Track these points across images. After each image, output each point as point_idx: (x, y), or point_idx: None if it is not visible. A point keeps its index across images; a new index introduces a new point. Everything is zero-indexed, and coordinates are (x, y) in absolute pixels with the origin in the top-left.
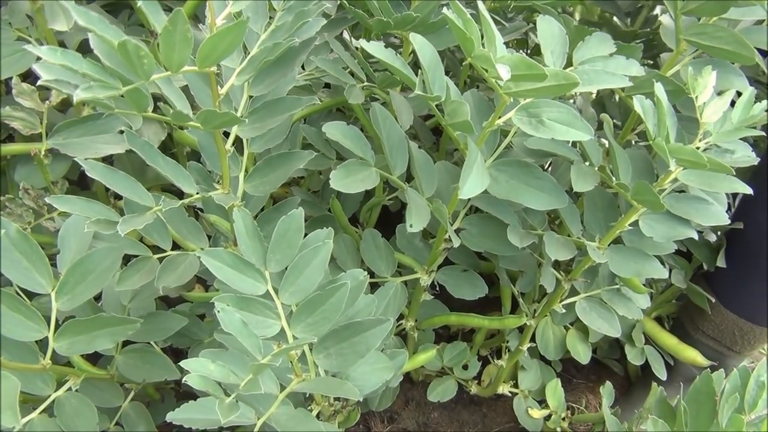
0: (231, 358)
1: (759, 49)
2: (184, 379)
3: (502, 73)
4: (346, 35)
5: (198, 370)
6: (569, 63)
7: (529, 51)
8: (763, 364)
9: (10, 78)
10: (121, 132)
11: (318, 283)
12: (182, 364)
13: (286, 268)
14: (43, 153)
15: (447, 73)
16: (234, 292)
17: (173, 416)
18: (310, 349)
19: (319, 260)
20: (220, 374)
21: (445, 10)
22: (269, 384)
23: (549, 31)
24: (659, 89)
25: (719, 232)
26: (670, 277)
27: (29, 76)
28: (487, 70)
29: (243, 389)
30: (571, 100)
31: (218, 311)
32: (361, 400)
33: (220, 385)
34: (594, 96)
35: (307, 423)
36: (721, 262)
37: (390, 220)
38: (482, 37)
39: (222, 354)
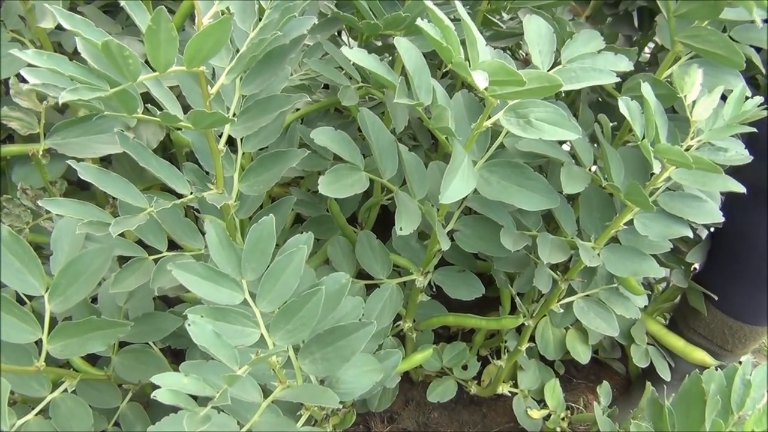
0: (212, 368)
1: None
2: (152, 395)
3: (479, 81)
4: (344, 36)
5: (170, 384)
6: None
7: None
8: (748, 361)
9: (8, 78)
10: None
11: (294, 288)
12: (154, 379)
13: (262, 276)
14: (41, 153)
15: (445, 74)
16: (209, 303)
17: (153, 429)
18: (296, 355)
19: (294, 266)
20: (194, 387)
21: (419, 21)
22: (251, 392)
23: (536, 30)
24: (646, 89)
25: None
26: (670, 276)
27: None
28: (466, 77)
29: (217, 401)
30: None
31: (189, 325)
32: (340, 407)
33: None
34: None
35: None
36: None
37: (390, 219)
38: (463, 42)
39: (202, 365)
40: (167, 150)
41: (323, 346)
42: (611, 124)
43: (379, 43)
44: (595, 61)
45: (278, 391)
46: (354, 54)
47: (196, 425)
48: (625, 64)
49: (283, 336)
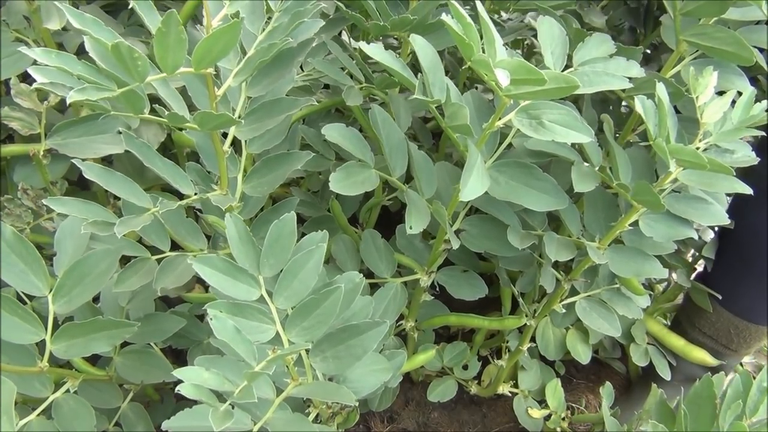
0: (227, 364)
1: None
2: (176, 388)
3: (500, 79)
4: (344, 36)
5: (192, 378)
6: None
7: (525, 51)
8: (765, 370)
9: (9, 78)
10: (120, 132)
11: (312, 286)
12: (176, 373)
13: (280, 273)
14: (41, 153)
15: (446, 73)
16: (227, 298)
17: (168, 424)
18: (307, 353)
19: (313, 263)
20: (215, 382)
21: (444, 15)
22: (265, 389)
23: (549, 32)
24: (661, 89)
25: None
26: (670, 275)
27: (28, 77)
28: (486, 74)
29: (237, 397)
30: None
31: (211, 319)
32: (356, 404)
33: (215, 392)
34: None
35: (303, 427)
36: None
37: (390, 220)
38: (481, 40)
39: (218, 360)
40: (168, 150)
41: (335, 344)
42: None
43: (381, 44)
44: (607, 65)
45: (291, 388)
46: (371, 50)
47: (219, 421)
48: (637, 71)
49: (298, 333)
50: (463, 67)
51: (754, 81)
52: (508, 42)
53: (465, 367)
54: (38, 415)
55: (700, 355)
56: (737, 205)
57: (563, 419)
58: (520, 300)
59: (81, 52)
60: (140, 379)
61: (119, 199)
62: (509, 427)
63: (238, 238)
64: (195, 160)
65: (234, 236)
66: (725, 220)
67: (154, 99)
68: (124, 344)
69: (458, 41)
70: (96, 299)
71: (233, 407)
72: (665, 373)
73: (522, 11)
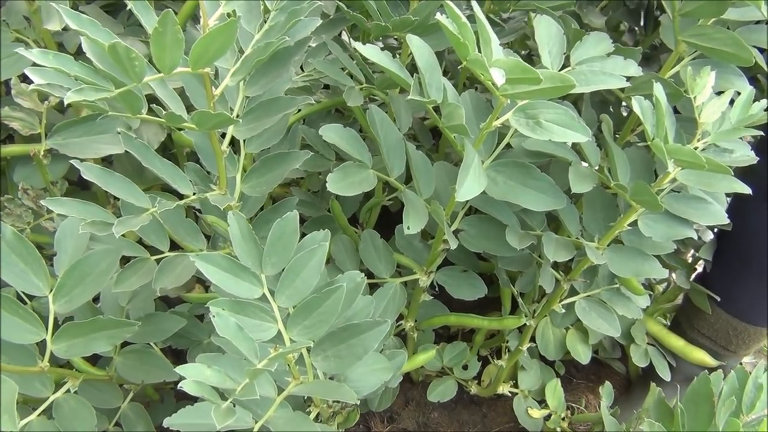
0: (228, 362)
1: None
2: (179, 385)
3: (496, 78)
4: (344, 36)
5: (194, 375)
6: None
7: (529, 51)
8: (762, 365)
9: (9, 78)
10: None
11: (314, 285)
12: (178, 369)
13: (282, 271)
14: (42, 153)
15: (446, 74)
16: (229, 296)
17: (170, 421)
18: (308, 352)
19: (315, 262)
20: (217, 379)
21: (438, 15)
22: (266, 387)
23: (547, 31)
24: (658, 89)
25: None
26: (670, 275)
27: (28, 77)
28: (482, 74)
29: (239, 394)
30: None
31: (213, 316)
32: (358, 402)
33: (217, 389)
34: None
35: (304, 426)
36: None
37: (390, 220)
38: (477, 40)
39: (219, 358)
40: (167, 150)
41: (336, 344)
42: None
43: (381, 45)
44: (604, 64)
45: (292, 387)
46: (368, 51)
47: (222, 418)
48: (634, 69)
49: (300, 332)
50: (459, 67)
51: (753, 81)
52: (510, 42)
53: (465, 367)
54: (39, 415)
55: (700, 355)
56: (736, 205)
57: (563, 419)
58: (520, 300)
59: (81, 52)
60: (140, 379)
61: (119, 199)
62: (509, 427)
63: (240, 236)
64: (195, 160)
65: (237, 234)
66: (724, 220)
67: (154, 99)
68: (125, 344)
69: (453, 41)
70: (96, 299)
71: (235, 405)
72: (665, 374)
73: (522, 12)
